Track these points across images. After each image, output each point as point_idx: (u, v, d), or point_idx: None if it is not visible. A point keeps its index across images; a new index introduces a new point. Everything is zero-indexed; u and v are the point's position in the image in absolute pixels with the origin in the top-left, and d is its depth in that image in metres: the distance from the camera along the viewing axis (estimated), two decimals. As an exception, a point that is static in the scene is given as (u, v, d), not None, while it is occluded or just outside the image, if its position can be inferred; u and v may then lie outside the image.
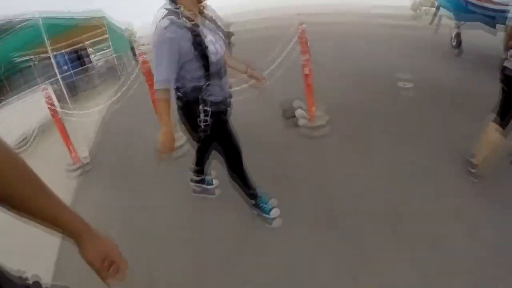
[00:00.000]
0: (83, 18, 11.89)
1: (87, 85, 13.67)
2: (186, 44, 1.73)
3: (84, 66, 15.61)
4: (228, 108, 2.09)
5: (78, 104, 9.21)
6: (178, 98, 1.94)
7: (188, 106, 1.93)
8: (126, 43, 16.85)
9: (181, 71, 1.83)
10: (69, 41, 13.09)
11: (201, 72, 1.82)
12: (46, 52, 10.34)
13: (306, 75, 3.65)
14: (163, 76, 1.73)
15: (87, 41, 15.08)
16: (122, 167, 4.30)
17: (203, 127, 1.92)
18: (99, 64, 17.07)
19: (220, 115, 1.99)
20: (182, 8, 1.76)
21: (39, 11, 8.58)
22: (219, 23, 2.00)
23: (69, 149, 4.38)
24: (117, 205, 3.31)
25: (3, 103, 7.70)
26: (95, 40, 14.70)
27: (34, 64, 11.45)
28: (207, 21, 1.92)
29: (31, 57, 10.62)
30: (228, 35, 1.81)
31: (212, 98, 1.90)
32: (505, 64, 2.30)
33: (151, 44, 1.80)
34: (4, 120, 6.26)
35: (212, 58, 1.80)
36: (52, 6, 17.86)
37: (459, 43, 8.24)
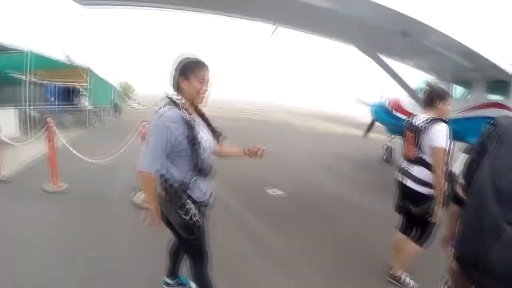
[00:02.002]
0: (69, 64, 13.72)
1: (58, 123, 13.83)
2: (181, 136, 1.74)
3: (72, 106, 16.51)
4: (208, 208, 2.05)
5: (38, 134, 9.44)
6: (164, 189, 1.87)
7: (173, 199, 1.85)
8: (108, 98, 17.63)
9: (170, 162, 1.82)
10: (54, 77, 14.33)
11: (189, 167, 1.82)
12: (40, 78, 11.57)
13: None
14: (154, 163, 1.75)
15: (71, 83, 16.22)
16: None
17: (187, 218, 1.87)
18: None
19: (201, 213, 1.96)
20: (183, 100, 1.81)
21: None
22: (210, 121, 2.03)
23: None
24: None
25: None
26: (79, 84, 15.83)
27: (24, 84, 12.06)
28: (199, 118, 1.97)
29: (23, 77, 11.29)
30: (217, 134, 1.84)
31: (196, 195, 1.89)
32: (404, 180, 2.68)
33: (149, 127, 1.82)
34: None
35: (204, 154, 1.83)
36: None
37: (388, 157, 9.30)
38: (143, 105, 31.89)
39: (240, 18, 4.81)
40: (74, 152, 5.46)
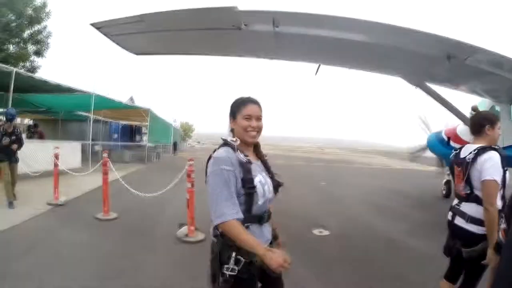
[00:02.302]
0: (130, 104, 15.65)
1: (119, 158, 15.46)
2: (238, 179, 1.60)
3: (135, 143, 18.20)
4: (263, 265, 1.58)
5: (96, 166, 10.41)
6: (215, 235, 1.67)
7: (221, 247, 1.63)
8: (167, 136, 19.02)
9: None
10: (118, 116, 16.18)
11: (242, 212, 1.58)
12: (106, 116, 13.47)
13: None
14: (226, 211, 1.51)
15: (133, 122, 18.13)
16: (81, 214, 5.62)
17: (227, 276, 1.55)
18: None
19: (250, 269, 1.58)
20: (238, 141, 1.68)
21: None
22: (269, 165, 1.87)
23: (54, 190, 6.42)
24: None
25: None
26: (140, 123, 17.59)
27: (87, 121, 13.78)
28: (259, 161, 1.82)
29: (88, 115, 12.91)
30: (276, 183, 1.84)
31: None
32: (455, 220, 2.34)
33: (208, 175, 1.64)
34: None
35: (258, 201, 1.64)
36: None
37: (448, 192, 8.41)
38: (203, 144, 33.48)
39: (284, 60, 4.97)
40: (127, 186, 5.86)
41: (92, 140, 15.94)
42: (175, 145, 24.89)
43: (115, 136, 19.93)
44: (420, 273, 3.64)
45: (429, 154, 9.56)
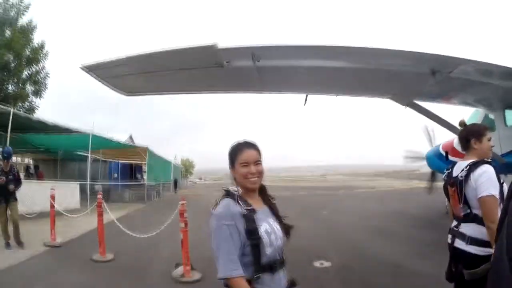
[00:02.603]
0: (127, 143, 16.15)
1: (119, 197, 15.57)
2: (241, 232, 1.52)
3: (134, 182, 18.34)
4: None
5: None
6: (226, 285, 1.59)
7: None
8: (167, 174, 19.03)
9: None
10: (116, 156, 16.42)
11: (250, 263, 1.54)
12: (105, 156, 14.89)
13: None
14: (230, 267, 1.47)
15: (132, 161, 18.17)
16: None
17: None
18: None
19: None
20: (240, 191, 1.63)
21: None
22: (277, 209, 1.77)
23: (51, 232, 6.40)
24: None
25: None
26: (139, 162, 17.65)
27: (87, 160, 13.91)
28: (266, 206, 1.72)
29: (87, 154, 13.26)
30: (288, 227, 1.75)
31: None
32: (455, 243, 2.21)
33: (211, 229, 1.58)
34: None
35: (266, 250, 1.55)
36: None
37: None
38: (204, 180, 33.35)
39: (271, 93, 5.04)
40: (122, 227, 5.81)
41: (92, 179, 16.18)
42: (175, 182, 24.80)
43: (115, 175, 19.94)
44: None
45: (426, 168, 9.41)
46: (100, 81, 4.26)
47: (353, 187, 26.14)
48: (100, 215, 5.63)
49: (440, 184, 8.92)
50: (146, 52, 3.46)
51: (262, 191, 1.75)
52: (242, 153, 1.64)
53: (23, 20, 12.25)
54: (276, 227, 1.63)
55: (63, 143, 13.61)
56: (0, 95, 11.83)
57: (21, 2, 11.97)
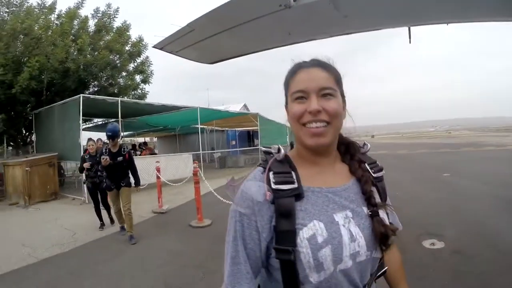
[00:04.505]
0: (236, 112, 17.68)
1: (234, 163, 16.94)
2: (262, 232, 0.83)
3: (252, 147, 19.89)
4: None
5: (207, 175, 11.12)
6: None
7: None
8: (283, 137, 19.43)
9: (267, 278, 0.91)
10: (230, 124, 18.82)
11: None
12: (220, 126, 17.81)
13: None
14: (229, 279, 0.86)
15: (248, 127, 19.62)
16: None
17: None
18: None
19: None
20: (282, 152, 0.89)
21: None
22: (381, 187, 0.95)
23: (159, 200, 7.22)
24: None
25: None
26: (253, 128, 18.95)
27: (204, 133, 15.56)
28: (348, 182, 0.92)
29: (203, 127, 14.73)
30: (384, 230, 0.84)
31: None
32: None
33: None
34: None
35: (309, 276, 0.79)
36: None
37: None
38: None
39: (355, 32, 4.19)
40: (218, 196, 5.98)
41: (211, 149, 18.08)
42: (291, 144, 25.17)
43: (233, 142, 21.53)
44: None
45: None
46: (177, 55, 4.22)
47: (481, 144, 22.78)
48: (197, 182, 5.90)
49: None
50: (205, 13, 3.21)
51: (348, 150, 0.98)
52: (295, 77, 0.89)
53: (117, 23, 13.82)
54: (356, 228, 0.83)
55: (177, 120, 15.13)
56: (114, 88, 13.65)
57: (109, 8, 13.53)
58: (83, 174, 6.06)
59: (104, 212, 5.93)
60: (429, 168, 11.27)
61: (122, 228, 5.42)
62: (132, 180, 5.28)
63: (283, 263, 0.80)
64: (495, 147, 19.08)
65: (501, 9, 3.47)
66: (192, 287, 3.39)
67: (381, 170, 0.96)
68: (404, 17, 3.80)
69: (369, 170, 0.93)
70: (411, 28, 3.95)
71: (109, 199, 5.55)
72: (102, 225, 5.82)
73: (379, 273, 0.92)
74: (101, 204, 5.88)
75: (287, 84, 0.93)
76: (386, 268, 0.93)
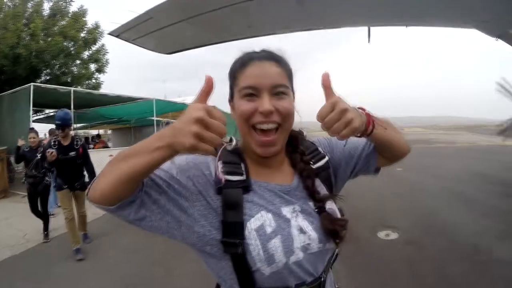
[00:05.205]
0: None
1: None
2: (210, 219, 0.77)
3: None
4: None
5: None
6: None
7: None
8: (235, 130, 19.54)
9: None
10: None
11: (237, 285, 0.78)
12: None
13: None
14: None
15: None
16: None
17: None
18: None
19: None
20: (234, 142, 0.82)
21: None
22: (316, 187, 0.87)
23: None
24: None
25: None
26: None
27: (160, 125, 15.18)
28: (294, 180, 0.88)
29: (159, 119, 14.45)
30: (332, 225, 0.81)
31: None
32: None
33: None
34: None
35: (261, 269, 0.75)
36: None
37: None
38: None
39: (314, 29, 4.22)
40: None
41: None
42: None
43: None
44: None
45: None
46: (133, 43, 4.02)
47: (432, 141, 24.02)
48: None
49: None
50: (162, 1, 3.04)
51: (292, 145, 0.91)
52: (246, 69, 0.80)
53: (73, 7, 12.93)
54: (304, 222, 0.81)
55: (132, 112, 14.49)
56: (67, 77, 12.87)
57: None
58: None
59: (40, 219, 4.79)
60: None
61: (78, 250, 4.06)
62: (87, 179, 4.30)
63: (234, 257, 0.75)
64: (445, 144, 20.30)
65: (458, 17, 3.73)
66: (153, 285, 3.27)
67: (323, 158, 0.92)
68: (364, 17, 3.91)
69: (310, 161, 0.89)
70: (371, 28, 4.10)
71: (60, 203, 4.62)
72: (46, 235, 4.67)
73: (333, 260, 0.90)
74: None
75: (234, 76, 0.84)
76: (337, 251, 0.90)
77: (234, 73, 0.83)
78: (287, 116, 0.79)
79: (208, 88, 0.64)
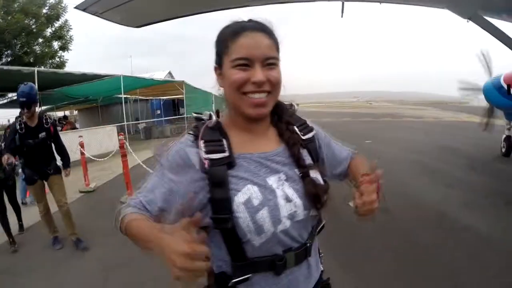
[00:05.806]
0: (162, 80, 16.93)
1: (161, 133, 16.25)
2: (201, 194, 0.82)
3: (178, 116, 19.32)
4: None
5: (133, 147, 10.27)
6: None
7: None
8: (208, 105, 18.95)
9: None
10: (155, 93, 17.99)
11: (227, 256, 0.84)
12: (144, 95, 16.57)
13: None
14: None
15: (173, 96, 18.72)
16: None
17: None
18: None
19: None
20: (214, 120, 0.88)
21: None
22: (312, 148, 0.97)
23: (84, 177, 6.64)
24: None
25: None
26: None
27: (128, 102, 14.40)
28: (279, 147, 0.92)
29: (127, 96, 13.57)
30: (315, 189, 0.87)
31: None
32: None
33: None
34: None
35: (252, 240, 0.81)
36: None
37: (508, 150, 7.23)
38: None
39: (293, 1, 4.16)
40: (147, 169, 5.59)
41: (136, 119, 16.95)
42: (217, 112, 24.93)
43: (158, 112, 20.30)
44: (485, 273, 2.79)
45: (482, 101, 8.19)
46: (101, 17, 3.80)
47: (400, 115, 24.97)
48: (124, 155, 5.46)
49: (498, 121, 7.61)
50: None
51: (277, 115, 0.95)
52: (238, 39, 0.82)
53: None
54: (290, 189, 0.85)
55: (99, 90, 13.79)
56: (30, 56, 12.21)
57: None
58: None
59: (12, 218, 4.17)
60: (352, 135, 11.96)
61: (55, 239, 3.82)
62: (59, 162, 3.86)
63: (224, 232, 0.81)
64: (413, 119, 21.05)
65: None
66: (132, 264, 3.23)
67: (311, 130, 0.98)
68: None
69: (298, 132, 0.95)
70: (345, 3, 4.11)
71: (33, 196, 4.01)
72: (13, 243, 3.85)
73: (319, 228, 0.98)
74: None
75: (224, 44, 0.84)
76: (324, 222, 1.00)
77: (226, 41, 0.84)
78: (277, 85, 0.84)
79: (189, 212, 0.67)
